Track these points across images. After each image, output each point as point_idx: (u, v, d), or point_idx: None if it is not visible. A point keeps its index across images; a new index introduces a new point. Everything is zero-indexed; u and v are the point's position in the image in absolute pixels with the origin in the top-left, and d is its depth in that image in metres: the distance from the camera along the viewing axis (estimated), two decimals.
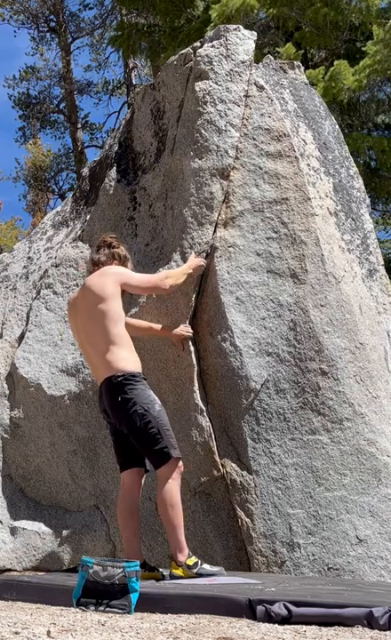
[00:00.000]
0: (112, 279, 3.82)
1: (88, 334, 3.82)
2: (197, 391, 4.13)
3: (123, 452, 3.79)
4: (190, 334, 4.12)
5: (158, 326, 4.16)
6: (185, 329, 4.11)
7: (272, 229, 4.17)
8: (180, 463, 3.64)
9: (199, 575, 3.52)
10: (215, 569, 3.60)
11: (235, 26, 4.49)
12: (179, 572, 3.53)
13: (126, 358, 3.69)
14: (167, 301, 4.23)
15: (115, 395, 3.65)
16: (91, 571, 2.93)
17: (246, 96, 4.33)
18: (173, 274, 4.00)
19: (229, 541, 4.02)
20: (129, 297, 4.40)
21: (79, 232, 4.91)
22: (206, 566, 3.58)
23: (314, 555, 3.85)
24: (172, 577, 3.54)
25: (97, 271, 3.92)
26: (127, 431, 3.68)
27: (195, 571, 3.53)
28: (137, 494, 3.75)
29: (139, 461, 3.76)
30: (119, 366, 3.66)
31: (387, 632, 2.57)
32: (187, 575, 3.51)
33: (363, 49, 11.83)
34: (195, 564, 3.55)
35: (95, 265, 3.97)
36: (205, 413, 4.09)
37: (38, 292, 4.92)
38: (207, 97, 4.30)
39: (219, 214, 4.19)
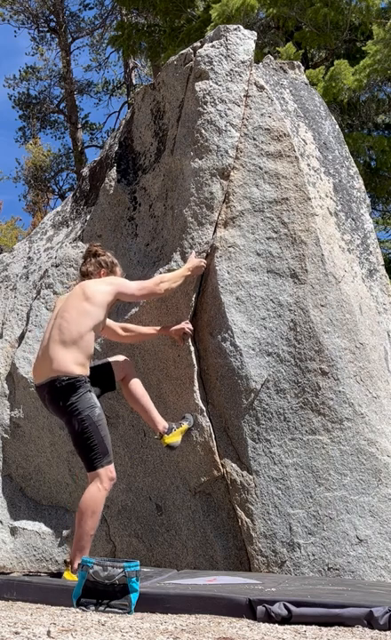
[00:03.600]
0: (110, 289, 3.86)
1: (60, 325, 3.79)
2: (197, 391, 4.13)
3: (103, 384, 3.97)
4: (191, 331, 4.13)
5: (158, 327, 4.17)
6: (186, 325, 4.11)
7: (272, 229, 4.17)
8: (111, 472, 3.64)
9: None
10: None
11: (235, 26, 4.48)
12: (72, 578, 3.40)
13: (79, 362, 3.70)
14: (167, 301, 4.23)
15: (57, 399, 3.69)
16: (91, 571, 2.94)
17: (246, 96, 4.33)
18: (169, 277, 4.00)
19: (229, 541, 4.02)
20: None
21: (79, 232, 4.91)
22: None
23: (314, 555, 3.85)
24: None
25: (94, 279, 3.96)
26: (67, 431, 3.78)
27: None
28: (134, 385, 4.06)
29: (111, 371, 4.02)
30: (68, 369, 3.67)
31: (387, 632, 2.58)
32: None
33: (363, 49, 11.83)
34: None
35: (84, 276, 4.02)
36: (205, 413, 4.09)
37: (38, 292, 4.92)
38: (207, 97, 4.29)
39: (220, 214, 4.19)
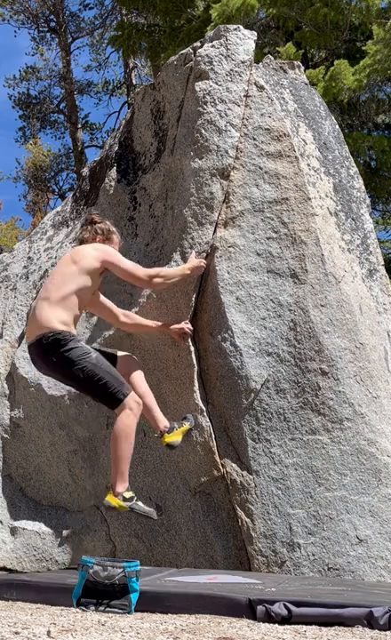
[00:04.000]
0: (96, 254, 3.91)
1: (47, 287, 3.89)
2: (197, 391, 4.12)
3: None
4: (190, 331, 4.13)
5: (159, 323, 4.18)
6: (185, 325, 4.12)
7: (272, 229, 4.17)
8: (134, 397, 3.75)
9: (131, 509, 3.71)
10: (148, 509, 3.79)
11: (235, 26, 4.48)
12: (114, 501, 3.65)
13: (63, 321, 3.77)
14: (167, 301, 4.23)
15: (49, 355, 3.74)
16: (91, 571, 2.94)
17: (246, 96, 4.33)
18: (165, 274, 4.01)
19: (229, 541, 4.02)
20: (129, 297, 4.40)
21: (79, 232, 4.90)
22: (140, 504, 3.76)
23: (314, 555, 3.85)
24: (107, 505, 3.70)
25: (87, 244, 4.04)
26: (75, 386, 3.84)
27: (129, 504, 3.68)
28: (138, 379, 3.99)
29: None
30: (52, 325, 3.74)
31: (387, 632, 2.58)
32: (119, 506, 3.66)
33: (363, 49, 11.83)
34: (131, 498, 3.71)
35: (81, 243, 4.09)
36: (205, 413, 4.09)
37: (38, 292, 4.92)
38: (207, 97, 4.29)
39: (220, 214, 4.19)
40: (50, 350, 3.71)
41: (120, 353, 4.07)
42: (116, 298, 4.40)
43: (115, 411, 3.74)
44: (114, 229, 4.15)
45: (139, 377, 4.02)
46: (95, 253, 3.90)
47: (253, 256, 4.14)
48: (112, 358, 4.01)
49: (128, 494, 3.68)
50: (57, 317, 3.75)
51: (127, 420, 3.69)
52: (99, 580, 2.91)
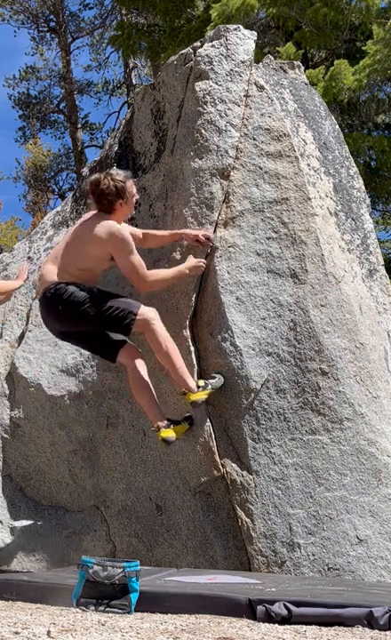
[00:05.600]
0: (106, 240, 3.94)
1: (56, 253, 4.06)
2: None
3: (101, 344, 4.05)
4: (210, 240, 4.12)
5: (173, 232, 4.23)
6: (202, 232, 4.13)
7: (272, 229, 4.17)
8: (146, 309, 3.90)
9: (214, 389, 3.92)
10: (220, 378, 3.97)
11: (235, 25, 4.48)
12: (198, 396, 3.87)
13: (62, 275, 3.93)
14: (167, 301, 4.23)
15: (55, 305, 3.91)
16: (91, 571, 2.94)
17: (246, 96, 4.33)
18: (164, 276, 4.06)
19: (229, 541, 4.02)
20: (128, 297, 4.40)
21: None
22: (212, 380, 3.95)
23: (314, 555, 3.85)
24: (195, 404, 3.90)
25: (108, 221, 4.00)
26: (91, 327, 3.95)
27: (209, 387, 3.92)
28: (141, 369, 4.01)
29: (120, 341, 4.05)
30: (53, 278, 3.94)
31: (387, 632, 2.58)
32: (206, 394, 3.89)
33: (363, 49, 11.85)
34: (205, 383, 3.92)
35: (100, 210, 4.13)
36: (205, 413, 4.09)
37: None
38: (207, 97, 4.29)
39: (220, 214, 4.19)
40: (55, 300, 3.88)
41: (131, 343, 4.11)
42: None
43: (144, 333, 3.87)
44: (121, 175, 4.06)
45: (141, 368, 4.04)
46: (106, 238, 3.94)
47: (253, 256, 4.14)
48: (119, 342, 4.05)
49: (201, 382, 3.91)
50: (56, 273, 3.94)
51: (156, 326, 3.86)
52: (99, 579, 2.91)
